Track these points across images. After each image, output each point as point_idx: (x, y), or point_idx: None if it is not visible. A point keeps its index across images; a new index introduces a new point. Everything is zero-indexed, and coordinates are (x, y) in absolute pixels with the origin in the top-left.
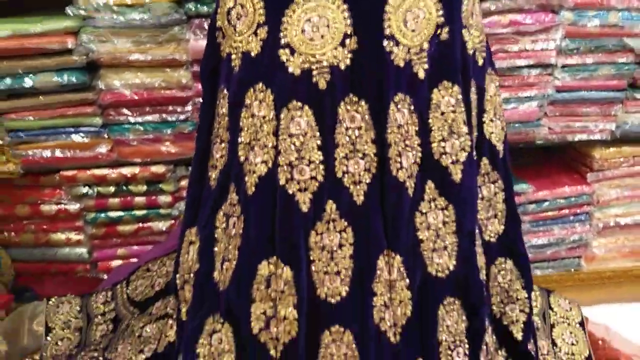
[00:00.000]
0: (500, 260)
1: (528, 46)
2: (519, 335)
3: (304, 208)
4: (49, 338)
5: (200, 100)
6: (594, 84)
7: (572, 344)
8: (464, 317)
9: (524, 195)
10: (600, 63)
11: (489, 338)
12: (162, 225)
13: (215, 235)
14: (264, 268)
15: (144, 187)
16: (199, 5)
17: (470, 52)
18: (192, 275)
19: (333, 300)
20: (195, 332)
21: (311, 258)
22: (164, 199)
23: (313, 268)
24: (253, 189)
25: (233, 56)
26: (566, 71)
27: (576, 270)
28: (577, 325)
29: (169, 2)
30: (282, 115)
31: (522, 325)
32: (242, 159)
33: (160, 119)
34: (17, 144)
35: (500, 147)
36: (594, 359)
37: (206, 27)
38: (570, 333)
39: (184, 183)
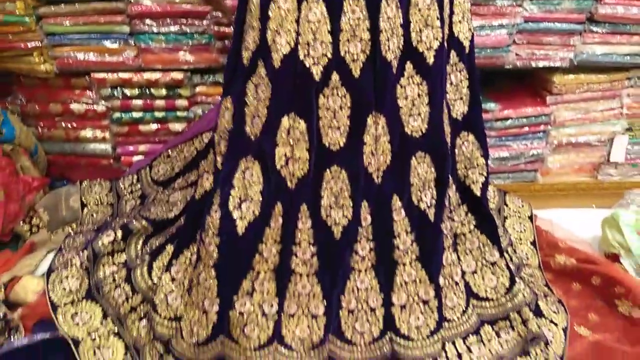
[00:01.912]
0: (464, 134)
1: None
2: (477, 192)
3: (316, 77)
4: (84, 211)
5: (216, 14)
6: (557, 16)
7: (521, 232)
8: (432, 169)
9: (492, 113)
10: None
11: (452, 193)
12: (178, 126)
13: (246, 100)
14: (286, 121)
15: (164, 91)
16: None
17: None
18: (227, 132)
19: (334, 148)
20: (231, 170)
21: (319, 115)
22: (181, 102)
23: (320, 123)
24: (279, 63)
25: None
26: (534, 3)
27: (532, 182)
28: (527, 218)
29: None
30: (302, 7)
31: (480, 185)
32: (270, 41)
33: (180, 31)
34: (54, 46)
35: (466, 44)
36: (538, 243)
37: None
38: (520, 224)
39: (199, 89)
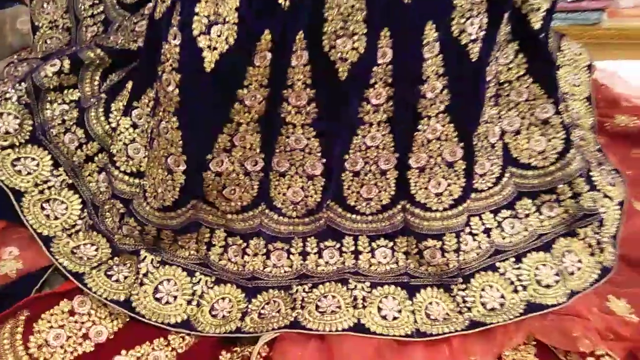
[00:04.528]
0: None
1: None
2: (536, 24)
3: None
4: (36, 36)
5: None
6: None
7: (574, 85)
8: None
9: None
10: None
11: (503, 24)
12: None
13: None
14: None
15: None
16: None
17: None
18: None
19: None
20: None
21: None
22: None
23: None
24: None
25: None
26: None
27: (596, 24)
28: (584, 68)
29: None
30: None
31: (543, 14)
32: None
33: None
34: None
35: None
36: (594, 100)
37: None
38: (575, 75)
39: None
